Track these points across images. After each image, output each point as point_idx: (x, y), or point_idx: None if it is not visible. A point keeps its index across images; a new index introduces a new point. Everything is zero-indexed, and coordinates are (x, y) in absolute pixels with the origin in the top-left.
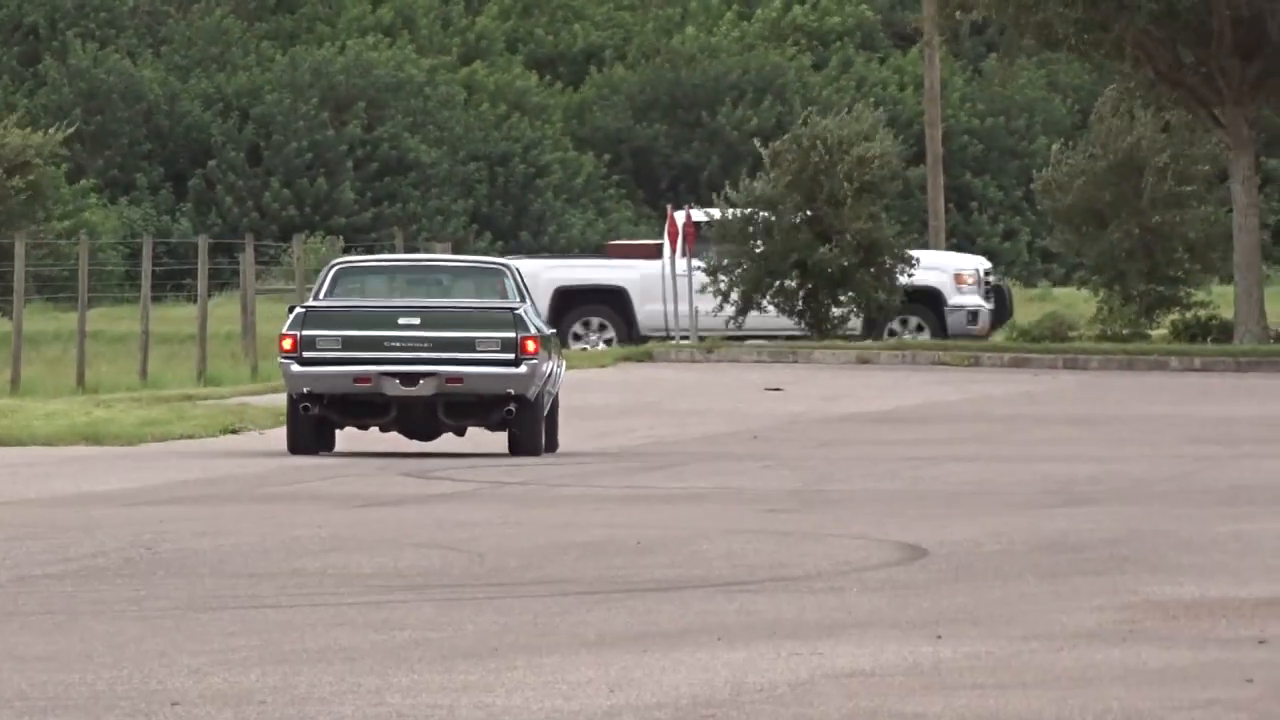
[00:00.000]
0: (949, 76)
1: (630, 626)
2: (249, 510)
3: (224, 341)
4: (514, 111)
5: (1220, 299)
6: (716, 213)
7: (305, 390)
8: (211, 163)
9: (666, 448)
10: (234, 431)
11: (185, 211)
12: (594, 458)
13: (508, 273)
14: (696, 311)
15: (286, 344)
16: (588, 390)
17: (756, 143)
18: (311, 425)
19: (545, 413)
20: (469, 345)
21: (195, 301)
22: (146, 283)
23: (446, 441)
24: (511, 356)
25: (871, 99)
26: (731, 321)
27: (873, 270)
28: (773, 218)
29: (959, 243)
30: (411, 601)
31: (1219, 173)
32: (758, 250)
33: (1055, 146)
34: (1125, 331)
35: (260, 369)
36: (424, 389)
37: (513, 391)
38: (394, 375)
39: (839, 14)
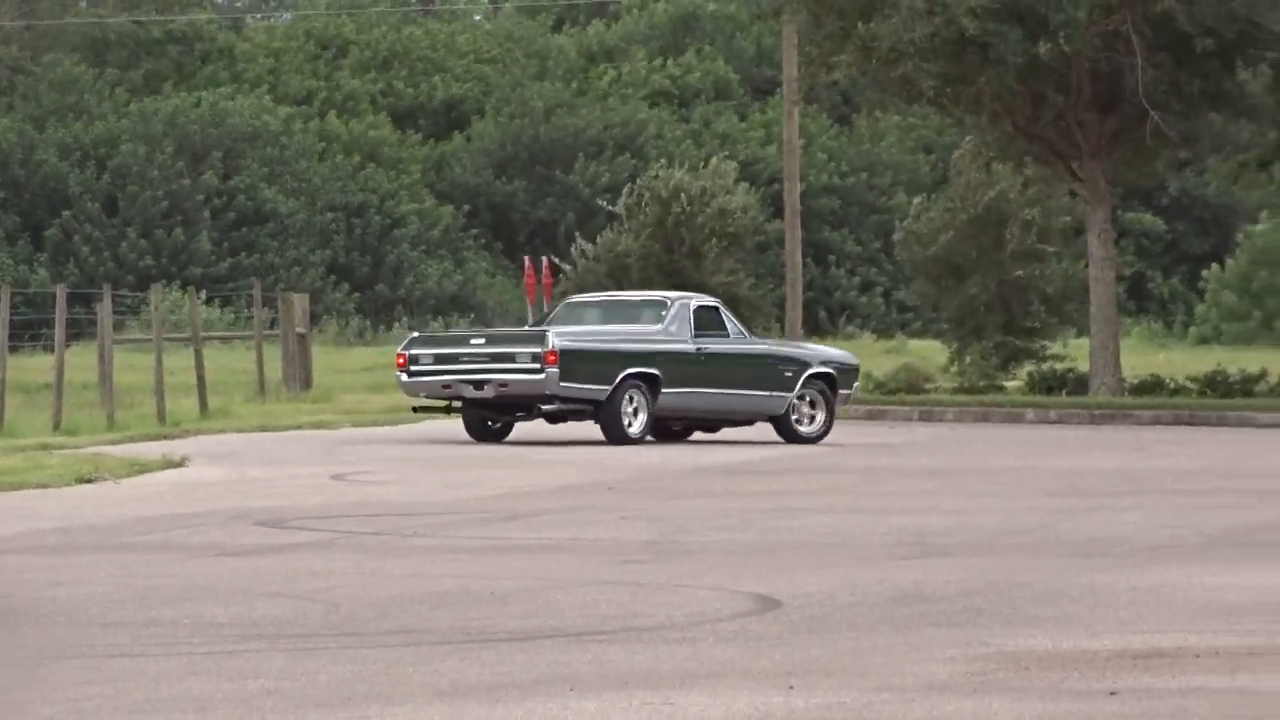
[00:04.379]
0: (817, 134)
1: (483, 677)
2: (104, 559)
3: (81, 391)
4: (369, 162)
5: (1076, 351)
6: (574, 265)
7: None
8: (68, 212)
9: (522, 498)
10: (89, 481)
11: (42, 261)
12: (449, 508)
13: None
14: None
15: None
16: (442, 442)
17: (602, 203)
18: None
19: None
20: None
21: (52, 351)
22: (3, 332)
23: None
24: (538, 365)
25: (726, 153)
26: None
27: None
28: (632, 272)
29: (815, 296)
30: (265, 651)
31: (1076, 226)
32: None
33: (917, 200)
34: (981, 383)
35: (117, 418)
36: (486, 392)
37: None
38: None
39: (700, 70)
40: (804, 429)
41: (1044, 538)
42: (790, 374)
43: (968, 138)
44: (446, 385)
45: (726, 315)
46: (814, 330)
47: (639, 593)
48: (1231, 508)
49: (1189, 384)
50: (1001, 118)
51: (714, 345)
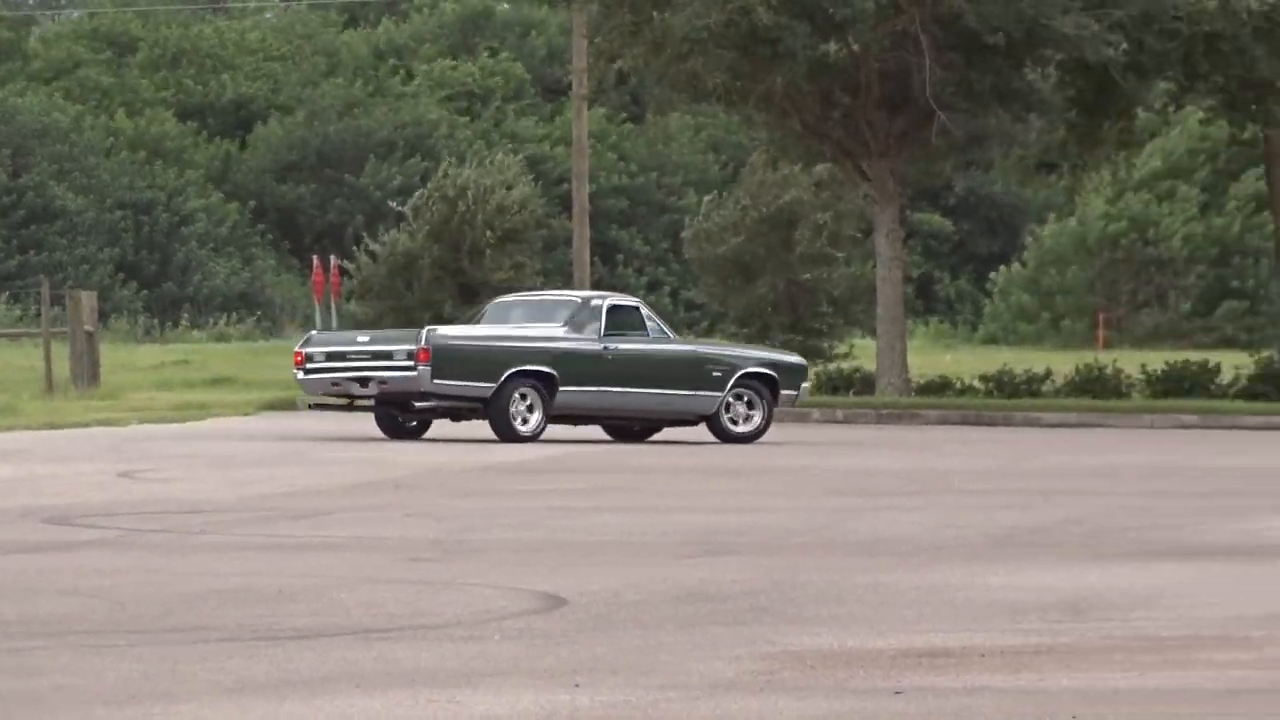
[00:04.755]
0: (607, 133)
1: (270, 674)
2: None
3: None
4: (155, 158)
5: (862, 352)
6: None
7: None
8: None
9: (308, 497)
10: None
11: None
12: (236, 506)
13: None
14: None
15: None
16: (229, 439)
17: (392, 204)
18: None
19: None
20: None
21: None
22: None
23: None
24: (413, 363)
25: (511, 147)
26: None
27: None
28: (416, 271)
29: None
30: (52, 648)
31: (865, 227)
32: (402, 304)
33: (708, 199)
34: None
35: None
36: (370, 390)
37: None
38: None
39: (492, 70)
40: (737, 429)
41: (829, 537)
42: (720, 374)
43: (760, 138)
44: (335, 383)
45: (649, 316)
46: None
47: (425, 591)
48: (1015, 508)
49: (976, 384)
50: (790, 116)
51: (626, 345)
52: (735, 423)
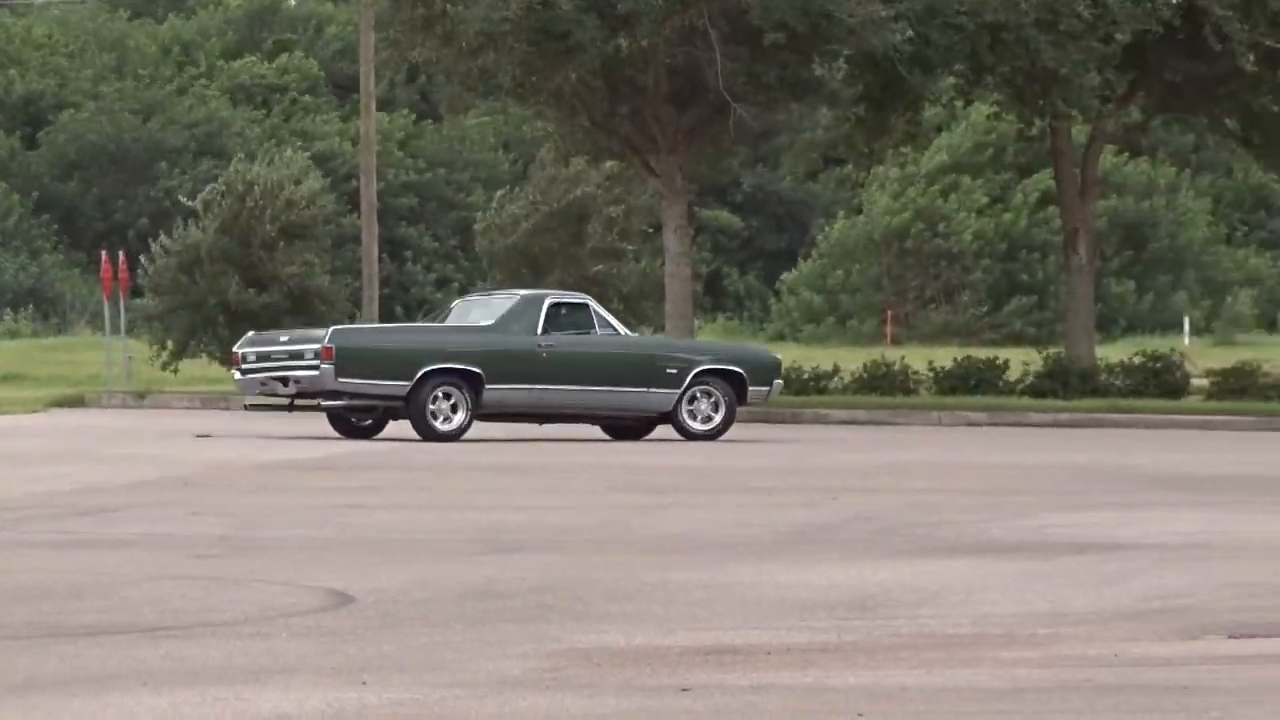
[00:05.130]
0: (396, 130)
1: (59, 671)
2: None
3: None
4: None
5: None
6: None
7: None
8: None
9: (96, 494)
10: None
11: None
12: (22, 503)
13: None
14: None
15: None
16: (18, 436)
17: (183, 198)
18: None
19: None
20: (301, 355)
21: None
22: None
23: None
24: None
25: (300, 144)
26: (168, 367)
27: (305, 317)
28: (204, 265)
29: (392, 291)
30: None
31: (655, 223)
32: (191, 298)
33: (500, 192)
34: None
35: None
36: (290, 389)
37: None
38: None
39: (285, 68)
40: (696, 425)
41: (616, 534)
42: (675, 371)
43: (550, 132)
44: (263, 384)
45: (597, 313)
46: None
47: (213, 588)
48: (804, 505)
49: None
50: (579, 112)
51: (565, 342)
52: (695, 420)
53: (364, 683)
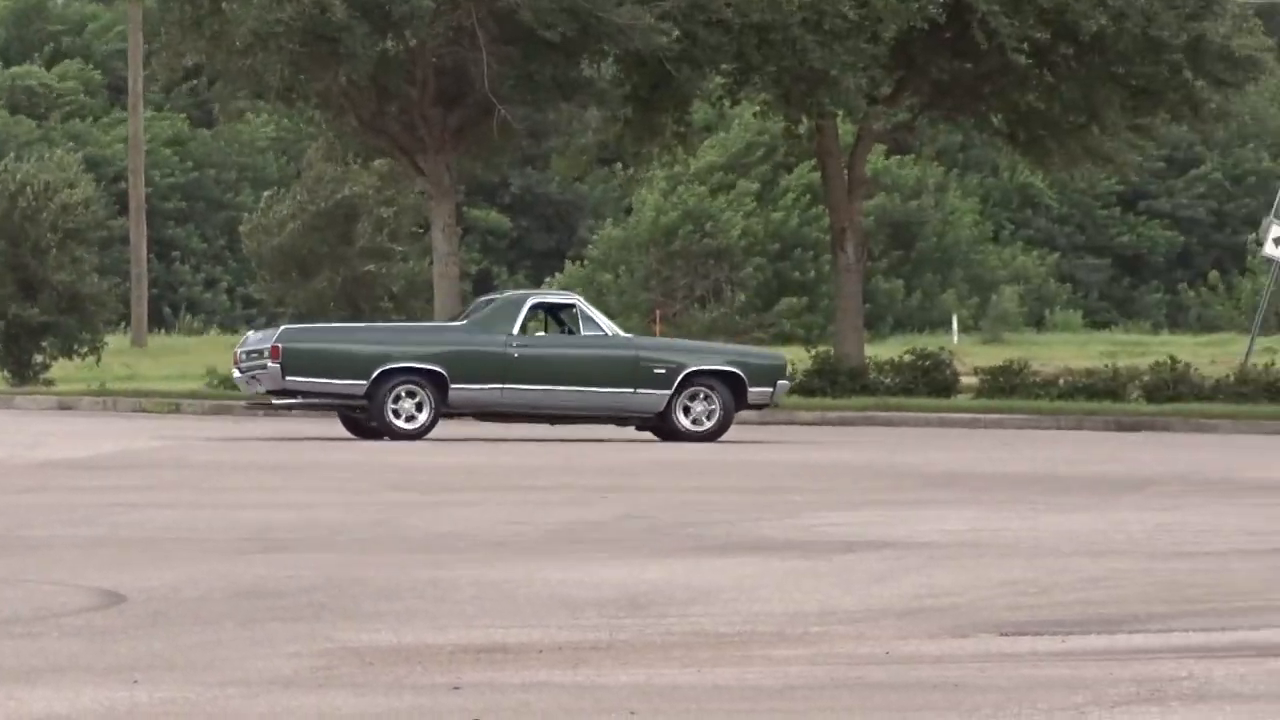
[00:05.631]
0: (164, 131)
1: None
2: None
3: None
4: None
5: None
6: None
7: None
8: None
9: None
10: None
11: None
12: None
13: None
14: None
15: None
16: None
17: None
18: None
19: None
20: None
21: None
22: None
23: None
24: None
25: (71, 144)
26: None
27: (77, 319)
28: None
29: (160, 292)
30: None
31: (423, 224)
32: None
33: (266, 193)
34: None
35: None
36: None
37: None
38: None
39: (64, 74)
40: (691, 429)
41: (387, 533)
42: (664, 372)
43: (319, 133)
44: (247, 383)
45: (584, 314)
46: (160, 325)
47: None
48: (575, 503)
49: None
50: (347, 112)
51: (542, 342)
52: (693, 422)
53: (135, 681)
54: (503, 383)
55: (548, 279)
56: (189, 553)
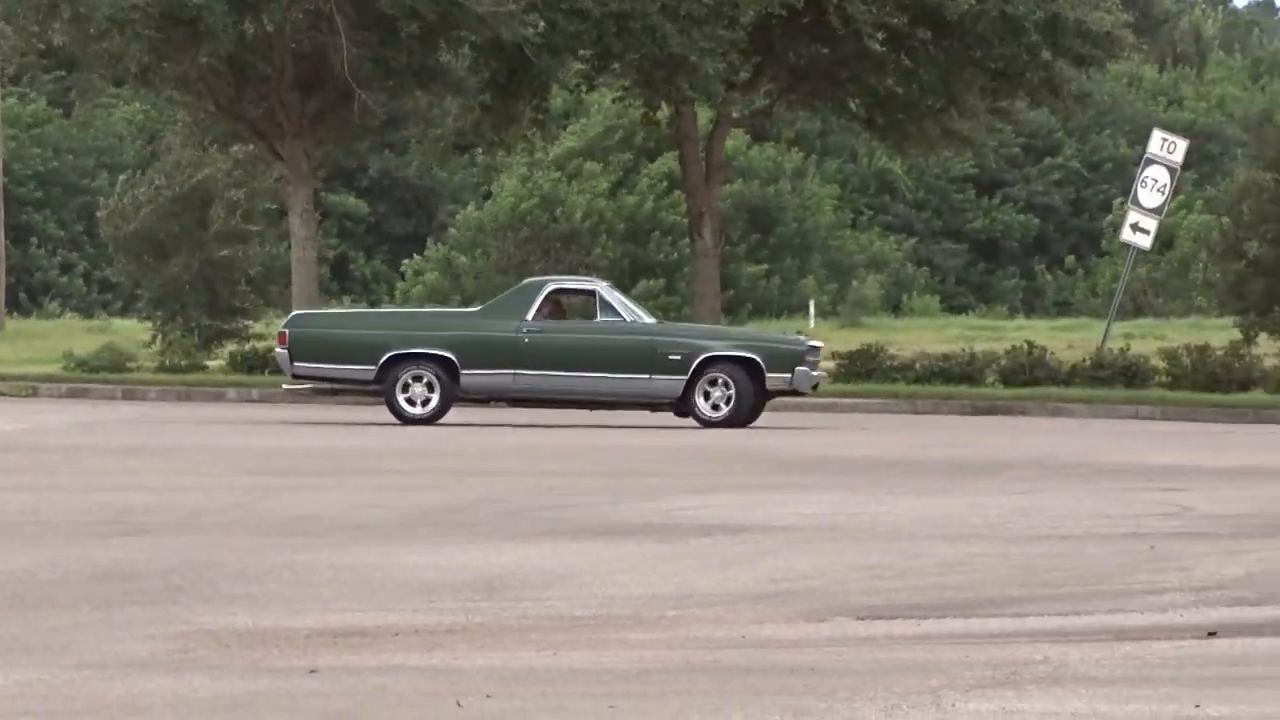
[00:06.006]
0: (26, 115)
1: None
2: None
3: None
4: None
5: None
6: None
7: None
8: None
9: None
10: None
11: None
12: None
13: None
14: None
15: None
16: None
17: None
18: None
19: None
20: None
21: None
22: None
23: None
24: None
25: None
26: None
27: None
28: None
29: (18, 277)
30: None
31: (280, 207)
32: None
33: (123, 177)
34: (184, 363)
35: None
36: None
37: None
38: None
39: None
40: (706, 413)
41: (243, 516)
42: (679, 358)
43: (176, 116)
44: (279, 366)
45: (603, 300)
46: (15, 309)
47: None
48: (432, 488)
49: None
50: (205, 97)
51: (554, 328)
52: (713, 408)
53: None
54: (514, 368)
55: (406, 261)
56: (45, 536)
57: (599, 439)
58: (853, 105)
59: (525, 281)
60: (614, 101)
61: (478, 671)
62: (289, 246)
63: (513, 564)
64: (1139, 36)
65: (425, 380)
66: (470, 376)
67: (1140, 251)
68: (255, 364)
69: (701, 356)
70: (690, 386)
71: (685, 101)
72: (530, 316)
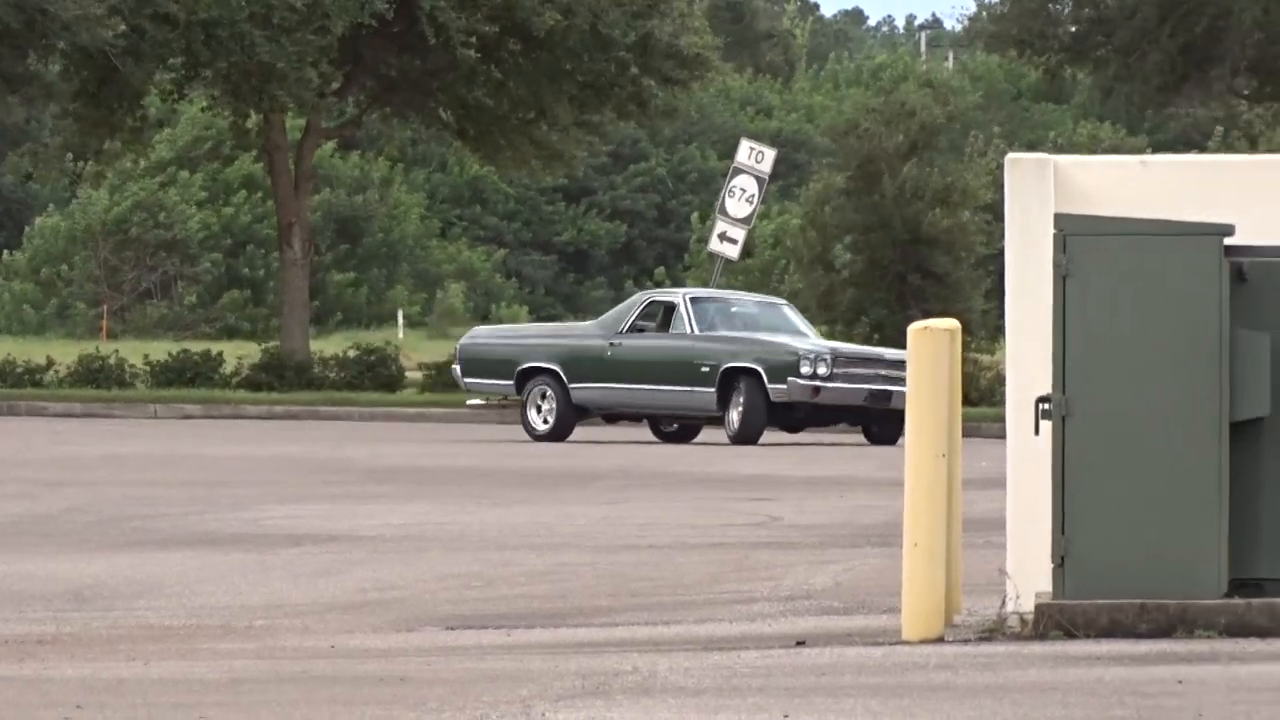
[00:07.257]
0: None
1: None
2: None
3: None
4: None
5: None
6: None
7: None
8: None
9: None
10: None
11: None
12: None
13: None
14: None
15: None
16: None
17: None
18: None
19: None
20: None
21: None
22: None
23: None
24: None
25: None
26: None
27: None
28: None
29: None
30: None
31: None
32: None
33: None
34: None
35: None
36: None
37: None
38: None
39: None
40: (733, 428)
41: None
42: (707, 370)
43: None
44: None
45: (689, 312)
46: None
47: None
48: (22, 497)
49: None
50: None
51: (632, 341)
52: (732, 420)
53: None
54: (602, 382)
55: None
56: None
57: (186, 449)
58: (444, 116)
59: (645, 292)
60: (202, 110)
61: (68, 682)
62: None
63: (103, 574)
64: (741, 50)
65: (547, 395)
66: (578, 390)
67: (728, 260)
68: None
69: (725, 366)
70: (720, 399)
71: (276, 110)
72: (624, 329)
